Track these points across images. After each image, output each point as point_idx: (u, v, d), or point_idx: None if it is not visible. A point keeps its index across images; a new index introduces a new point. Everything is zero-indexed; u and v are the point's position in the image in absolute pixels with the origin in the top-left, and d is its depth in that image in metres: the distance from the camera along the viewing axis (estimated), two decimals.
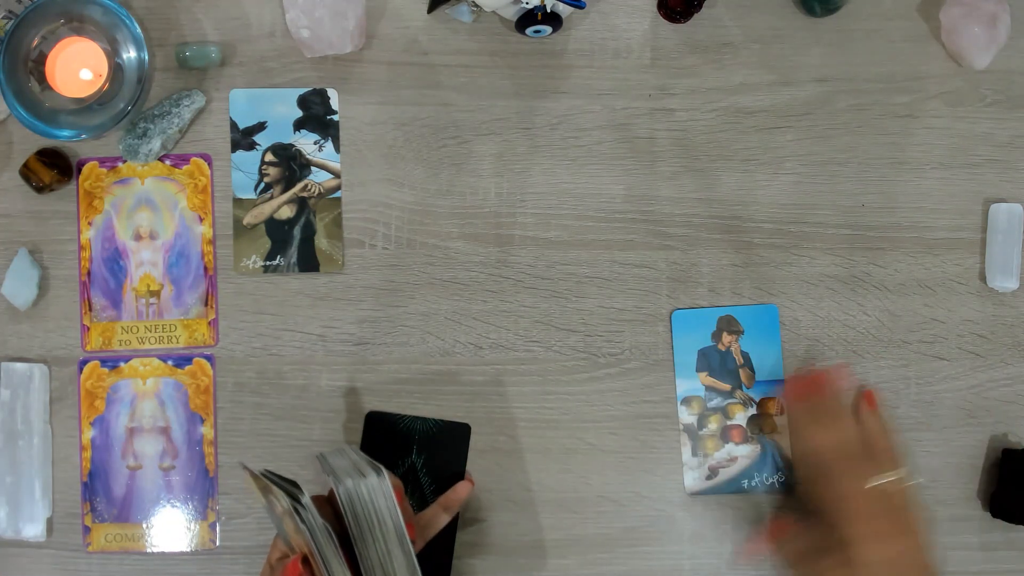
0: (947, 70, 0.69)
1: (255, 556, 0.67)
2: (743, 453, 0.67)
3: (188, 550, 0.67)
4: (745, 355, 0.67)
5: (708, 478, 0.66)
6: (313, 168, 0.68)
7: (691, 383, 0.67)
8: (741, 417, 0.67)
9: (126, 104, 0.64)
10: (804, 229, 0.69)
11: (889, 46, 0.69)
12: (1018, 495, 0.65)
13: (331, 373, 0.68)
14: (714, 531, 0.67)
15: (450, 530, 0.65)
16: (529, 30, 0.64)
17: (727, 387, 0.67)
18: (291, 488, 0.52)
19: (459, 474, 0.67)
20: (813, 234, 0.69)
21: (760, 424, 0.67)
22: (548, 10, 0.63)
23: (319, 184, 0.68)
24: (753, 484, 0.67)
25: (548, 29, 0.64)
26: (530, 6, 0.63)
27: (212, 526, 0.67)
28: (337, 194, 0.68)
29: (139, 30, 0.64)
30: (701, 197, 0.69)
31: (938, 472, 0.68)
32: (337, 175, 0.68)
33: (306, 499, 0.50)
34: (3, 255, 0.68)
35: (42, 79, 0.64)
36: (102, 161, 0.68)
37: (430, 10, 0.67)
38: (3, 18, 0.66)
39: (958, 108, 0.69)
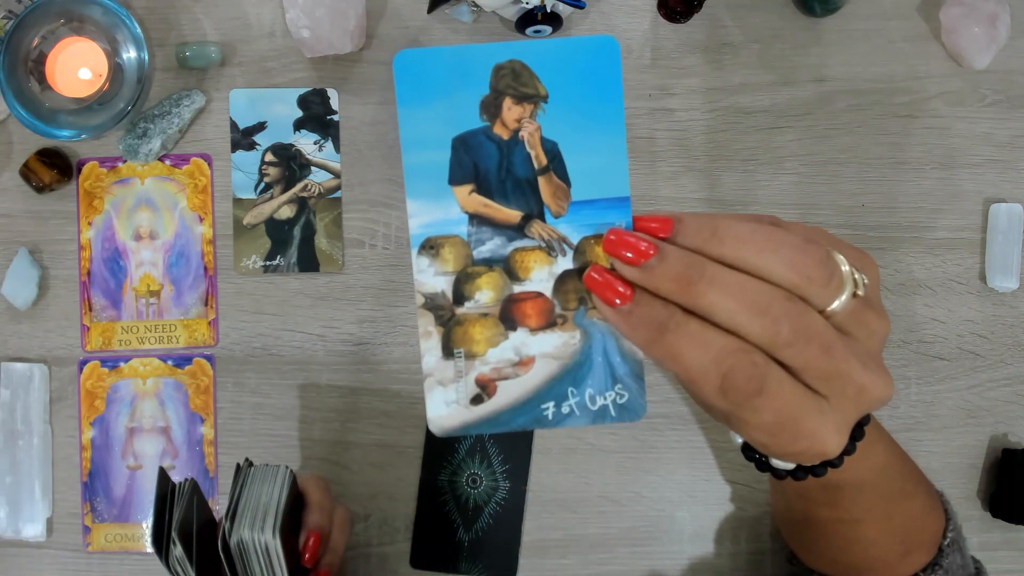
0: (947, 70, 0.69)
1: None
2: (546, 349, 0.36)
3: None
4: (551, 147, 0.35)
5: (474, 400, 0.35)
6: (313, 168, 0.68)
7: (438, 207, 0.35)
8: (543, 277, 0.35)
9: (126, 104, 0.64)
10: None
11: (889, 46, 0.69)
12: (1018, 495, 0.65)
13: (331, 373, 0.68)
14: (714, 531, 0.67)
15: (516, 523, 0.66)
16: (529, 30, 0.64)
17: (514, 216, 0.35)
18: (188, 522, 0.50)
19: (527, 446, 0.67)
20: None
21: (582, 290, 0.35)
22: (548, 10, 0.63)
23: (319, 184, 0.68)
24: (565, 411, 0.36)
25: (548, 29, 0.64)
26: (530, 6, 0.63)
27: None
28: (337, 194, 0.68)
29: (139, 30, 0.64)
30: (701, 197, 0.69)
31: (938, 472, 0.68)
32: (337, 175, 0.68)
33: (177, 551, 0.48)
34: (3, 255, 0.68)
35: (42, 79, 0.64)
36: (102, 161, 0.68)
37: (430, 10, 0.67)
38: (3, 18, 0.66)
39: (958, 108, 0.69)
